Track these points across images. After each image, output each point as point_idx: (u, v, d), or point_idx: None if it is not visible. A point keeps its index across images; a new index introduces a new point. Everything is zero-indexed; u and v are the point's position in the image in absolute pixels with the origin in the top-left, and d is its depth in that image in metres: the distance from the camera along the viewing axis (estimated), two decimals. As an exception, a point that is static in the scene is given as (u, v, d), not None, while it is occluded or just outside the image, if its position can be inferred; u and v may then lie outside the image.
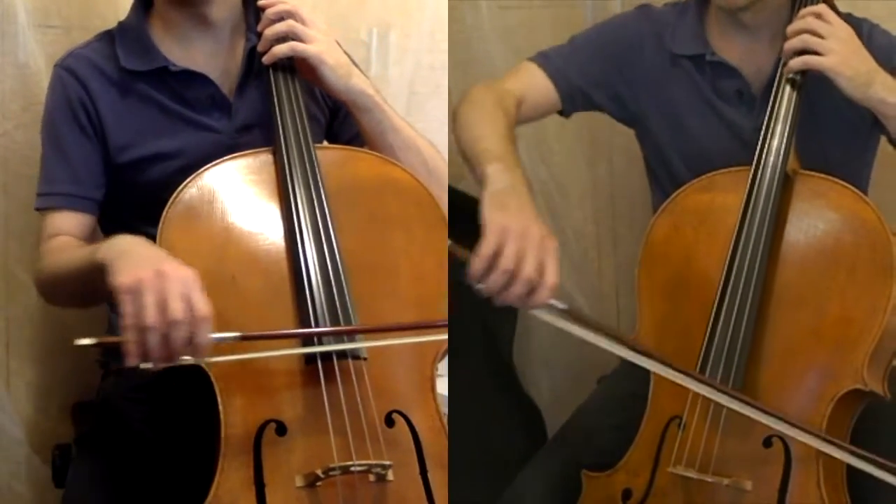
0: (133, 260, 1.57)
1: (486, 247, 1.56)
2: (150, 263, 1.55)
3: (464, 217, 2.35)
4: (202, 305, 1.52)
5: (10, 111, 2.14)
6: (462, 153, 1.79)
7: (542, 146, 2.45)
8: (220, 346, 1.59)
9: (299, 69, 1.88)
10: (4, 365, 2.17)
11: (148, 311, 1.50)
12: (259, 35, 1.88)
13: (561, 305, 1.59)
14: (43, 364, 2.21)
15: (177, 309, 1.50)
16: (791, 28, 1.80)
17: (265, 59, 1.86)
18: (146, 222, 1.84)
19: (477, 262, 1.55)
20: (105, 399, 1.92)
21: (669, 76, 1.96)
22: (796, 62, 1.78)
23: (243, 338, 1.59)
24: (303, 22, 1.86)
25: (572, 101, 1.98)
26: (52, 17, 2.15)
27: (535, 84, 1.95)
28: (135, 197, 1.88)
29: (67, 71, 1.89)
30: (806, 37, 1.78)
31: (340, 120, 2.00)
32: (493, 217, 1.59)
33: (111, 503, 1.71)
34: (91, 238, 1.87)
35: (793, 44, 1.79)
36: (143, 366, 1.52)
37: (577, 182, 2.35)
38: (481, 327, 2.42)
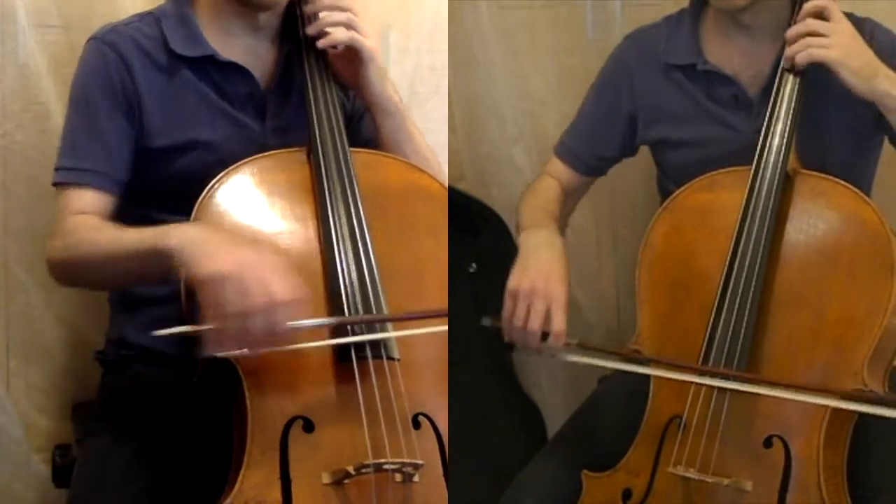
0: (210, 249, 1.57)
1: (504, 311, 1.77)
2: (228, 252, 1.56)
3: (463, 215, 2.36)
4: (284, 290, 1.54)
5: (10, 111, 2.13)
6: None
7: (542, 146, 2.45)
8: None
9: (340, 65, 1.90)
10: (4, 365, 2.17)
11: (228, 302, 1.51)
12: (297, 41, 1.90)
13: (572, 341, 1.77)
14: (43, 364, 2.21)
15: (257, 299, 1.52)
16: (791, 32, 1.80)
17: (321, 43, 1.87)
18: (165, 211, 1.80)
19: (503, 326, 1.77)
20: (105, 399, 1.92)
21: (663, 89, 1.97)
22: (802, 56, 1.78)
23: (326, 323, 1.63)
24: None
25: (593, 169, 2.10)
26: (52, 17, 2.15)
27: (560, 173, 2.08)
28: (158, 185, 1.86)
29: (109, 46, 1.85)
30: (808, 39, 1.78)
31: (354, 125, 2.01)
32: (510, 282, 1.78)
33: (114, 503, 1.70)
34: (108, 220, 1.81)
35: (795, 48, 1.79)
36: (221, 355, 1.56)
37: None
38: (481, 327, 2.42)
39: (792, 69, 1.80)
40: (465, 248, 2.40)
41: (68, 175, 1.83)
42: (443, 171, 2.00)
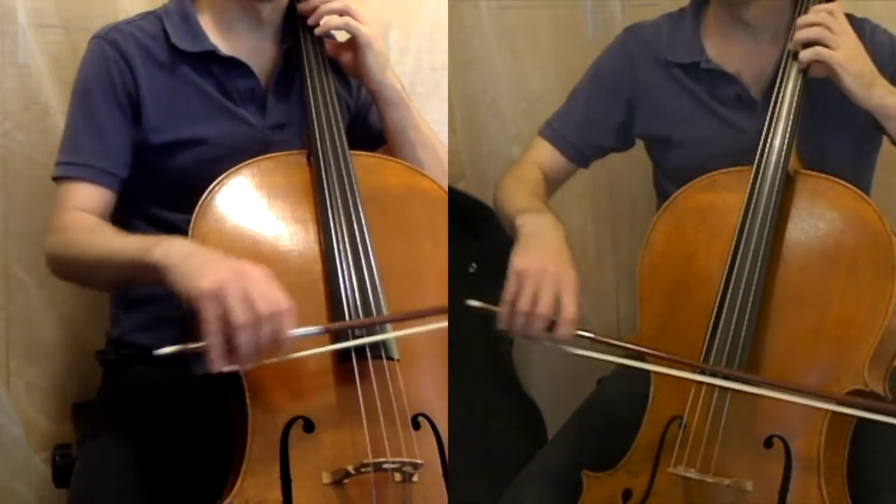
0: (203, 263, 1.56)
1: (506, 293, 1.64)
2: (223, 265, 1.55)
3: (463, 215, 2.36)
4: (284, 300, 1.54)
5: (10, 111, 2.13)
6: (508, 230, 1.85)
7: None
8: None
9: (342, 55, 1.93)
10: (4, 365, 2.17)
11: (235, 313, 1.50)
12: (296, 38, 1.91)
13: (587, 334, 1.66)
14: (43, 364, 2.21)
15: (262, 307, 1.51)
16: (803, 19, 1.80)
17: (318, 31, 1.90)
18: (164, 207, 1.86)
19: (502, 310, 1.64)
20: (105, 399, 1.92)
21: (665, 87, 1.97)
22: (807, 52, 1.78)
23: (326, 331, 1.62)
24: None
25: (583, 157, 2.06)
26: (52, 17, 2.15)
27: (546, 156, 2.04)
28: (158, 181, 1.88)
29: (111, 44, 1.87)
30: (819, 29, 1.78)
31: (361, 119, 2.03)
32: (514, 263, 1.66)
33: (114, 503, 1.70)
34: (106, 216, 1.83)
35: (805, 34, 1.79)
36: (227, 369, 1.53)
37: (577, 182, 2.35)
38: (481, 328, 2.42)
39: (795, 57, 1.80)
40: (465, 249, 2.40)
41: (67, 169, 1.84)
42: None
